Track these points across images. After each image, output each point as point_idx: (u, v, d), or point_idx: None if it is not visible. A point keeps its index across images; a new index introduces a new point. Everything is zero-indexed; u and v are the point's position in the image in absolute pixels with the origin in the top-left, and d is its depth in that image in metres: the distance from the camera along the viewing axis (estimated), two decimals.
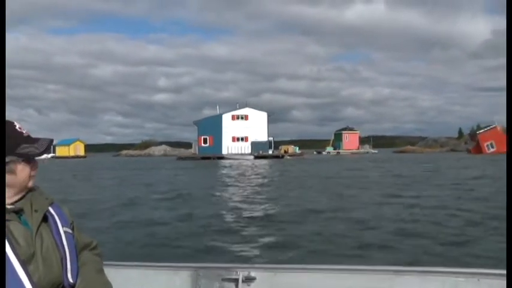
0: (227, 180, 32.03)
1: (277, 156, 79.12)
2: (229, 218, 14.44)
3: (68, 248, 2.03)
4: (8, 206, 1.92)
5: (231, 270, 2.76)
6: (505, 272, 2.36)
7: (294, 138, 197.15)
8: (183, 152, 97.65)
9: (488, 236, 10.74)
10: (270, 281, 2.72)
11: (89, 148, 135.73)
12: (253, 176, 35.10)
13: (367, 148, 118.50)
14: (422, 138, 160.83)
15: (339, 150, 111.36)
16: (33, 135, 2.04)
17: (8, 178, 1.92)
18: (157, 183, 28.90)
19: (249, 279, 2.72)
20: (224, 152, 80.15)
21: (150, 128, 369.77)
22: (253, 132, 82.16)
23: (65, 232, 2.05)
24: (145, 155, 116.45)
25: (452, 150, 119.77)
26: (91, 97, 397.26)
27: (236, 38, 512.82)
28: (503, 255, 6.84)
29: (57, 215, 2.07)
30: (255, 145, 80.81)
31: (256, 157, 76.01)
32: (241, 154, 78.45)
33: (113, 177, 36.20)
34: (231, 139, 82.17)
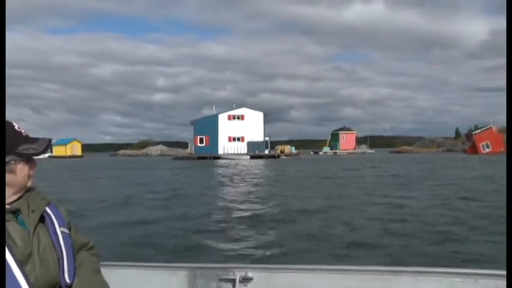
0: (222, 180, 32.10)
1: (273, 156, 79.19)
2: (221, 217, 14.47)
3: (65, 248, 2.03)
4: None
5: (228, 271, 2.77)
6: (501, 272, 2.40)
7: (292, 138, 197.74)
8: (180, 151, 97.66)
9: (476, 235, 10.90)
10: (267, 281, 2.73)
11: (87, 148, 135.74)
12: (248, 176, 35.14)
13: (363, 148, 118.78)
14: (420, 139, 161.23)
15: (336, 151, 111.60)
16: (30, 135, 2.05)
17: (8, 178, 1.93)
18: (151, 183, 28.94)
19: (246, 280, 2.72)
20: (220, 151, 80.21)
21: (149, 128, 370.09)
22: (249, 132, 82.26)
23: (62, 232, 2.06)
24: (142, 155, 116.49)
25: (449, 150, 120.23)
26: (89, 96, 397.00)
27: (234, 37, 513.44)
28: (496, 254, 7.06)
29: (54, 215, 2.08)
30: (251, 145, 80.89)
31: (252, 157, 76.10)
32: (237, 154, 78.50)
33: (106, 176, 36.26)
34: (227, 139, 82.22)
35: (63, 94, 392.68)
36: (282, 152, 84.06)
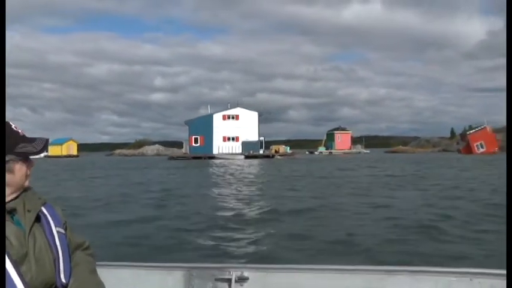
0: (215, 179, 32.17)
1: (267, 156, 79.24)
2: (214, 217, 14.44)
3: (61, 248, 2.04)
4: None
5: (224, 270, 2.78)
6: (496, 271, 2.47)
7: (290, 138, 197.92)
8: (175, 151, 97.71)
9: (468, 234, 11.03)
10: (263, 281, 2.74)
11: (84, 147, 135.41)
12: (241, 176, 35.24)
13: (359, 148, 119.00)
14: (416, 139, 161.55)
15: (331, 150, 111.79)
16: (27, 135, 2.07)
17: (6, 177, 1.95)
18: (144, 182, 28.96)
19: (242, 279, 2.73)
20: (215, 151, 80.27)
21: (146, 128, 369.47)
22: (244, 132, 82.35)
23: (57, 232, 2.06)
24: (138, 155, 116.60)
25: (445, 150, 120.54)
26: (86, 96, 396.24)
27: (232, 37, 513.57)
28: (490, 253, 7.37)
29: (50, 215, 2.08)
30: (246, 145, 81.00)
31: (246, 157, 76.19)
32: (232, 154, 78.57)
33: (100, 176, 36.31)
34: (221, 139, 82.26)
35: (60, 94, 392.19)
36: (276, 151, 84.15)
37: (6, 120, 2.04)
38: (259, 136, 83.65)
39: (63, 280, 2.01)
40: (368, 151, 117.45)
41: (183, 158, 77.84)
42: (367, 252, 9.35)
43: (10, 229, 1.90)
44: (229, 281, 2.73)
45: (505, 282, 2.34)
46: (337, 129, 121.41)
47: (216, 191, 23.33)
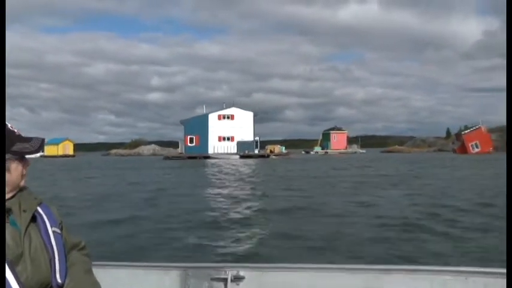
0: (209, 179, 32.37)
1: (262, 156, 79.39)
2: (207, 217, 14.50)
3: (57, 248, 2.02)
4: None
5: (220, 270, 2.77)
6: (490, 269, 2.51)
7: (286, 138, 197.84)
8: (171, 151, 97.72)
9: (460, 233, 11.23)
10: (259, 280, 2.73)
11: (80, 147, 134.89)
12: (234, 176, 35.44)
13: (355, 148, 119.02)
14: (412, 138, 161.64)
15: (327, 150, 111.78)
16: (24, 134, 2.06)
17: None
18: (138, 182, 29.09)
19: (237, 279, 2.73)
20: (210, 151, 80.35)
21: (143, 127, 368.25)
22: (239, 132, 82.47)
23: (53, 232, 2.05)
24: (134, 154, 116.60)
25: (440, 150, 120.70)
26: (83, 96, 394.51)
27: (229, 37, 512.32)
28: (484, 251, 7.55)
29: (46, 215, 2.06)
30: (241, 145, 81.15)
31: (241, 157, 76.36)
32: (227, 154, 78.69)
33: (94, 176, 36.42)
34: (217, 139, 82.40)
35: (57, 93, 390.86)
36: (271, 151, 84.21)
37: None
38: (254, 136, 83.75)
39: (59, 280, 2.00)
40: (364, 151, 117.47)
41: (178, 157, 77.91)
42: (353, 249, 9.54)
43: (5, 229, 1.90)
44: (225, 280, 2.73)
45: (498, 280, 2.41)
46: (332, 129, 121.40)
47: (208, 190, 23.47)
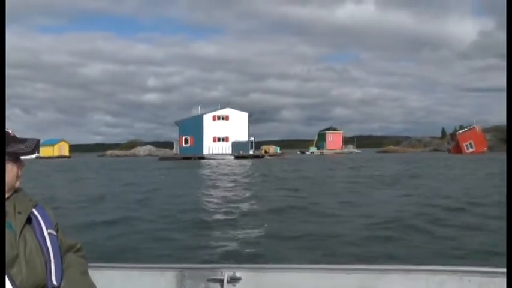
0: (203, 180, 32.41)
1: (257, 156, 79.33)
2: (201, 217, 14.48)
3: (52, 250, 2.01)
4: None
5: (216, 271, 2.77)
6: (485, 269, 2.55)
7: (282, 138, 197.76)
8: (167, 152, 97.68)
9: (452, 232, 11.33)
10: (255, 281, 2.74)
11: (77, 148, 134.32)
12: (227, 176, 35.52)
13: (350, 148, 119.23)
14: (407, 138, 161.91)
15: (323, 150, 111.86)
16: (19, 135, 2.07)
17: None
18: (133, 183, 29.06)
19: (234, 280, 2.73)
20: (205, 152, 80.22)
21: (139, 128, 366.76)
22: (234, 132, 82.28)
23: (49, 234, 2.04)
24: (130, 155, 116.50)
25: (436, 150, 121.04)
26: (80, 96, 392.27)
27: (226, 37, 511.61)
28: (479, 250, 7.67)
29: (41, 217, 2.06)
30: (236, 145, 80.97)
31: (236, 157, 76.35)
32: (222, 154, 78.60)
33: (88, 177, 36.40)
34: (212, 139, 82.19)
35: (53, 94, 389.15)
36: (266, 152, 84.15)
37: None
38: (249, 136, 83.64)
39: (55, 282, 1.99)
40: (359, 151, 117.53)
41: (173, 158, 77.92)
42: (349, 249, 9.65)
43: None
44: (221, 281, 2.74)
45: (494, 279, 2.46)
46: (328, 129, 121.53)
47: (202, 191, 23.49)
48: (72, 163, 73.85)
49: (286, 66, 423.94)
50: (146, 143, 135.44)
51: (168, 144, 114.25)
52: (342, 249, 9.77)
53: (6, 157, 1.96)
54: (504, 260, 2.25)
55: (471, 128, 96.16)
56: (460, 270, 2.56)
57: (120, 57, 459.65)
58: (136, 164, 61.96)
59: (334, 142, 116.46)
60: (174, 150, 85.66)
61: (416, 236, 10.97)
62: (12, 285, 1.82)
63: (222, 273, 2.75)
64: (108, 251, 9.45)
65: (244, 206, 17.10)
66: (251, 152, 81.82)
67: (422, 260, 8.10)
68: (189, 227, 12.70)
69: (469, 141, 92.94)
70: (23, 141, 2.03)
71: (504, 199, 14.62)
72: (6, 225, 1.91)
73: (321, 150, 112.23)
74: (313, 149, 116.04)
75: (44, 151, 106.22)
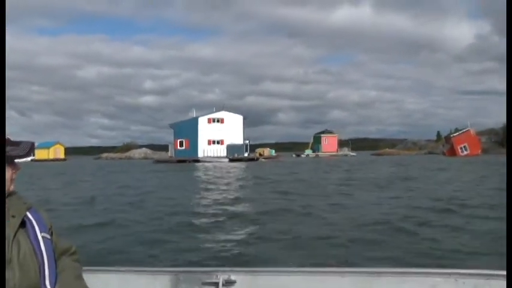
0: (197, 182, 32.47)
1: (252, 159, 79.45)
2: (196, 220, 14.51)
3: (46, 254, 2.00)
4: None
5: (211, 274, 2.78)
6: (480, 271, 2.57)
7: (278, 141, 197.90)
8: (162, 155, 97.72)
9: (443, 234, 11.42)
10: (250, 284, 2.75)
11: (73, 151, 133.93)
12: (222, 178, 35.61)
13: (345, 151, 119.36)
14: (403, 141, 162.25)
15: (318, 153, 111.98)
16: (14, 138, 2.04)
17: None
18: (128, 185, 29.22)
19: (229, 283, 2.75)
20: (200, 155, 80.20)
21: (135, 131, 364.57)
22: (229, 135, 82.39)
23: (43, 237, 2.02)
24: (125, 158, 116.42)
25: (430, 152, 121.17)
26: (76, 99, 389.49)
27: (223, 39, 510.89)
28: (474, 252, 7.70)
29: (35, 220, 2.04)
30: (231, 148, 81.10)
31: (231, 160, 76.40)
32: (217, 157, 78.60)
33: (82, 180, 36.37)
34: (206, 142, 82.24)
35: (49, 96, 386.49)
36: (260, 154, 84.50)
37: None
38: (244, 139, 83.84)
39: (48, 287, 1.98)
40: (354, 154, 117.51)
41: (168, 161, 77.95)
42: (342, 252, 9.68)
43: None
44: (216, 284, 2.75)
45: (489, 281, 2.48)
46: (323, 132, 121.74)
47: (195, 194, 23.52)
48: (67, 166, 73.64)
49: (282, 69, 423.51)
50: (142, 146, 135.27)
51: (164, 147, 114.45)
52: (336, 252, 9.75)
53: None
54: (498, 261, 2.27)
55: (465, 131, 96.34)
56: (455, 273, 2.58)
57: (116, 60, 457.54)
58: (131, 167, 61.79)
59: (329, 145, 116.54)
60: (169, 153, 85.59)
61: (403, 238, 11.02)
62: None
63: (217, 276, 2.77)
64: (100, 253, 9.44)
65: (237, 209, 17.15)
66: (246, 154, 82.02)
67: (417, 262, 8.14)
68: (183, 230, 12.70)
69: (464, 144, 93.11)
70: (17, 144, 2.02)
71: (496, 201, 15.12)
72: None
73: (316, 153, 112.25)
74: (308, 151, 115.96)
75: (39, 154, 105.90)
